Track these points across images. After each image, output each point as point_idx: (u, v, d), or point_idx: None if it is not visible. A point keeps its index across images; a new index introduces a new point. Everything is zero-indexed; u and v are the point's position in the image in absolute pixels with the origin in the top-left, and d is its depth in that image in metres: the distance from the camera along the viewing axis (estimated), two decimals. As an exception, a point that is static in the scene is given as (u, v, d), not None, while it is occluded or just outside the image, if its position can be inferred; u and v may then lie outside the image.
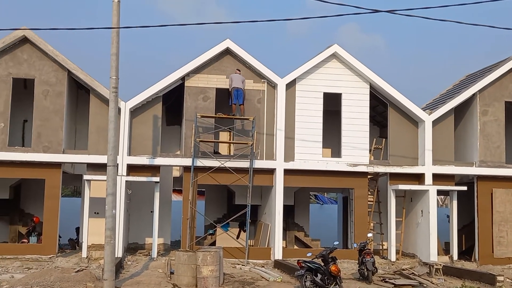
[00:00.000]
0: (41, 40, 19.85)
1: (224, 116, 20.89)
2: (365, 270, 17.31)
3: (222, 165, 20.57)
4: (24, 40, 19.99)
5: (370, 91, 21.88)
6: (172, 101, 22.69)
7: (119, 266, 17.83)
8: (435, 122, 21.92)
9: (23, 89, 22.08)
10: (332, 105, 22.23)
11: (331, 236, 25.65)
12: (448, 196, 25.57)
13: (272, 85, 21.40)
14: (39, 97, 20.06)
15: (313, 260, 15.50)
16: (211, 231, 23.58)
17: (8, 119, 19.94)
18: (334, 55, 21.59)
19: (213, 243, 23.04)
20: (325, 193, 44.10)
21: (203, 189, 26.64)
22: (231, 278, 17.34)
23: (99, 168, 19.86)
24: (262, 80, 21.34)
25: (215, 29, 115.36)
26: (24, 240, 21.90)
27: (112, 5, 15.48)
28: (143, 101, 20.57)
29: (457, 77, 28.29)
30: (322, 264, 15.45)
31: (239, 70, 20.87)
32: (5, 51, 19.96)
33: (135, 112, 20.66)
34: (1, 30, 17.96)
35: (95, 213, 21.14)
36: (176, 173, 24.70)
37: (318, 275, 15.08)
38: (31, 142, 20.11)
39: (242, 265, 19.98)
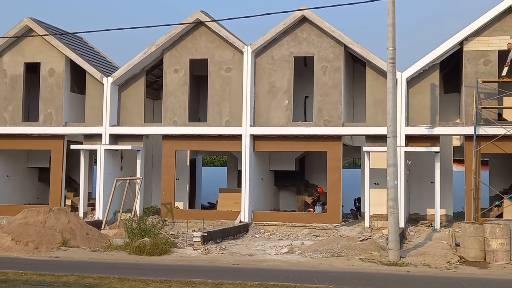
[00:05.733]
0: (319, 18, 20.66)
1: (509, 79, 19.36)
2: None
3: (508, 133, 19.17)
4: (303, 20, 21.02)
5: None
6: (450, 67, 21.78)
7: (401, 236, 17.90)
8: None
9: (303, 66, 23.31)
10: None
11: None
12: None
13: None
14: (319, 73, 20.97)
15: None
16: (497, 203, 22.23)
17: (292, 96, 21.29)
18: None
19: (500, 215, 21.70)
20: None
21: (486, 159, 25.20)
22: (524, 253, 16.14)
23: (378, 139, 20.12)
24: (554, 37, 19.25)
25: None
26: (310, 209, 23.31)
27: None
28: (419, 69, 20.17)
29: None
30: None
31: None
32: (286, 32, 21.25)
33: (411, 81, 20.36)
34: (281, 13, 19.09)
35: (375, 183, 21.52)
36: (456, 142, 23.74)
37: None
38: (313, 117, 21.21)
39: (535, 239, 18.44)
